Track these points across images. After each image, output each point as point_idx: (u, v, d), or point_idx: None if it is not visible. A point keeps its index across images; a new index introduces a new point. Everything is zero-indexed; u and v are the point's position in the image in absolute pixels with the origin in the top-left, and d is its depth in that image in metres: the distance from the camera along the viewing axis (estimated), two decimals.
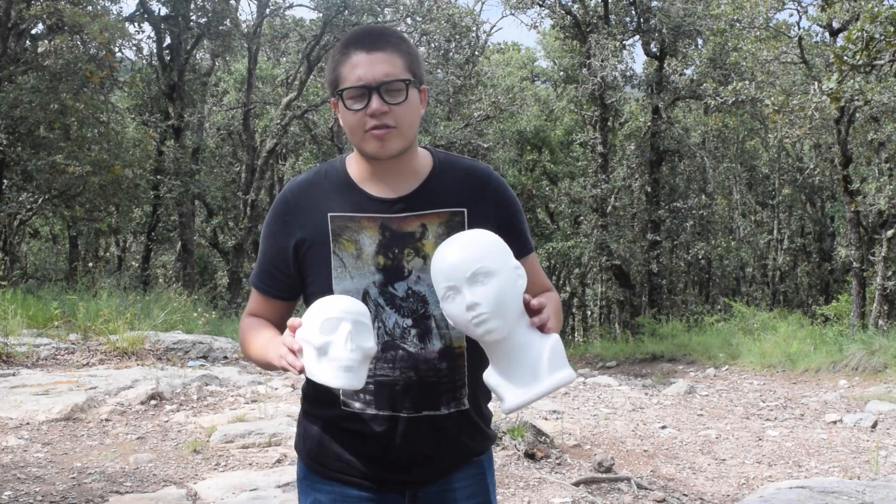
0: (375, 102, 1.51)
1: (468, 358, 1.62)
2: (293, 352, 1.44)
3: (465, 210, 1.61)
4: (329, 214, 1.60)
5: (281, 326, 1.69)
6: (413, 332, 1.58)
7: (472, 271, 1.41)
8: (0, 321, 7.37)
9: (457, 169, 1.66)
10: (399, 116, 1.53)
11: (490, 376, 1.50)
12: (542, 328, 1.47)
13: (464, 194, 1.62)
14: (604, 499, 4.35)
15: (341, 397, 1.61)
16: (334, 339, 1.41)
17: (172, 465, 4.47)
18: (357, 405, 1.60)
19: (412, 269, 1.58)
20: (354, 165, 1.64)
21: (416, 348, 1.58)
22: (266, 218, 1.69)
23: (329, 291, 1.58)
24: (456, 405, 1.62)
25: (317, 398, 1.67)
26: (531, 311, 1.47)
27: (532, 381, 1.45)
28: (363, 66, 1.53)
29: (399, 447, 1.59)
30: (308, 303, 1.66)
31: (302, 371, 1.43)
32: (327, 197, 1.62)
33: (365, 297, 1.58)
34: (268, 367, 1.59)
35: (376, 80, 1.52)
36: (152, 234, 18.79)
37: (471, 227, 1.59)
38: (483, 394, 1.70)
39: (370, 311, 1.56)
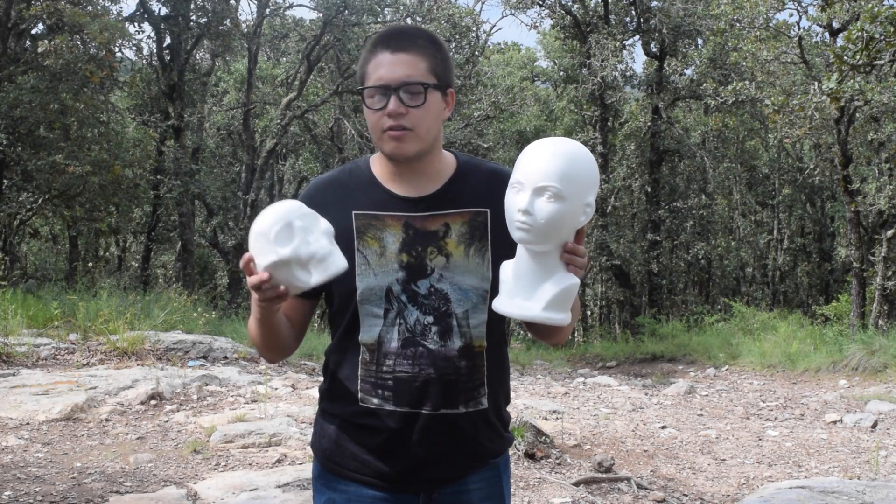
0: (393, 103, 1.53)
1: (488, 358, 1.63)
2: (265, 281, 1.40)
3: (488, 211, 1.62)
4: (353, 212, 1.61)
5: (300, 326, 1.69)
6: (434, 329, 1.59)
7: (544, 185, 1.40)
8: (0, 321, 7.36)
9: (480, 171, 1.69)
10: (416, 119, 1.54)
11: (505, 269, 1.51)
12: (570, 266, 1.46)
13: (487, 195, 1.64)
14: (604, 499, 4.35)
15: (360, 393, 1.62)
16: (296, 242, 1.39)
17: (172, 465, 4.47)
18: (375, 401, 1.60)
19: (435, 267, 1.60)
20: (378, 164, 1.66)
21: (436, 346, 1.59)
22: None
23: (352, 288, 1.59)
24: (474, 404, 1.62)
25: (335, 395, 1.67)
26: (566, 249, 1.46)
27: (527, 303, 1.46)
28: (385, 66, 1.54)
29: (416, 444, 1.60)
30: (329, 302, 1.66)
31: (286, 294, 1.42)
32: (351, 195, 1.64)
33: (388, 294, 1.59)
34: (267, 337, 1.58)
35: (396, 80, 1.53)
36: (152, 234, 18.78)
37: (493, 227, 1.61)
38: (503, 395, 1.71)
39: (392, 309, 1.58)
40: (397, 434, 1.60)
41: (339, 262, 1.43)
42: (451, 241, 1.60)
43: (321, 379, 1.77)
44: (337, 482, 1.66)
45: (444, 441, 1.61)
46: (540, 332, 1.68)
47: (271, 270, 1.41)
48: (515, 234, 1.44)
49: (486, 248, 1.61)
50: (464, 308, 1.60)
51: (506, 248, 1.61)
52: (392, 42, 1.56)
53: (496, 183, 1.66)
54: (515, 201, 1.42)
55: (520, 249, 1.48)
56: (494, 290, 1.61)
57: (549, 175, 1.39)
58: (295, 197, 1.66)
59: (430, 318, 1.59)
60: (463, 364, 1.60)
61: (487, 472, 1.69)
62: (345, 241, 1.58)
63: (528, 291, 1.46)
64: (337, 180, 1.68)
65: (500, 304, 1.50)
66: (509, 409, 1.74)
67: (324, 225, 1.45)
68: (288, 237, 1.40)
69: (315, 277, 1.42)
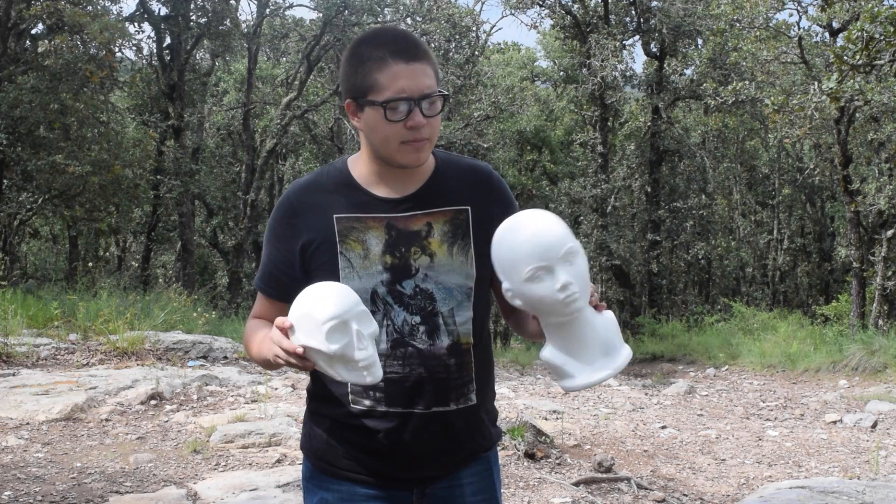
0: (418, 115, 1.52)
1: (475, 354, 1.65)
2: (299, 355, 1.41)
3: (469, 208, 1.63)
4: (334, 216, 1.61)
5: None
6: (422, 329, 1.60)
7: (566, 250, 1.38)
8: (0, 321, 7.36)
9: (458, 168, 1.69)
10: (433, 128, 1.56)
11: (554, 356, 1.48)
12: (596, 307, 1.49)
13: (467, 192, 1.65)
14: (604, 499, 4.35)
15: (350, 395, 1.62)
16: (346, 343, 1.38)
17: (172, 465, 4.47)
18: (367, 402, 1.61)
19: (419, 267, 1.60)
20: (358, 166, 1.65)
21: (425, 345, 1.60)
22: (269, 221, 1.70)
23: None
24: (464, 401, 1.64)
25: (325, 397, 1.67)
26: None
27: (605, 359, 1.45)
28: (405, 78, 1.52)
29: (409, 443, 1.61)
30: None
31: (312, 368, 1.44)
32: (331, 198, 1.63)
33: (373, 296, 1.59)
34: (267, 365, 1.59)
35: (420, 92, 1.52)
36: (152, 234, 18.77)
37: (474, 225, 1.62)
38: (490, 391, 1.72)
39: (379, 311, 1.58)
40: (391, 434, 1.60)
41: (376, 374, 1.42)
42: (435, 240, 1.61)
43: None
44: (329, 482, 1.67)
45: (437, 438, 1.62)
46: (520, 327, 1.69)
47: (309, 353, 1.40)
48: (567, 311, 1.40)
49: (468, 246, 1.62)
50: (448, 306, 1.60)
51: (488, 244, 1.62)
52: (404, 52, 1.53)
53: (476, 180, 1.67)
54: (549, 285, 1.39)
55: (554, 330, 1.46)
56: (479, 287, 1.63)
57: (561, 240, 1.40)
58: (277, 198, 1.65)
59: (417, 318, 1.60)
60: (452, 362, 1.61)
61: (479, 466, 1.70)
62: (327, 245, 1.58)
63: (595, 354, 1.46)
64: (315, 184, 1.66)
65: (581, 380, 1.46)
66: (501, 405, 1.75)
67: (373, 328, 1.43)
68: (341, 336, 1.38)
69: (351, 377, 1.43)
